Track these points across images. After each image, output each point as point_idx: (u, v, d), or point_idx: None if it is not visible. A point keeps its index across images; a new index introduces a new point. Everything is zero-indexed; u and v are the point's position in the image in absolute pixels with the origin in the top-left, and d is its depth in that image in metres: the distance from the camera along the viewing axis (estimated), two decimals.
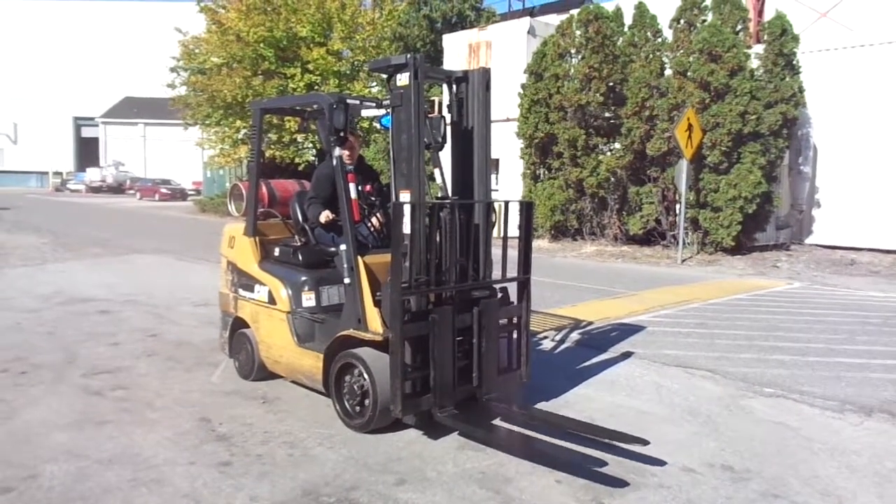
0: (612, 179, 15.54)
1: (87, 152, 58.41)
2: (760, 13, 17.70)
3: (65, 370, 5.38)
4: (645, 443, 3.77)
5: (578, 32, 15.62)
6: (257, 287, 5.08)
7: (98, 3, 57.32)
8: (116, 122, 56.57)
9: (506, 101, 15.66)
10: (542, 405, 4.66)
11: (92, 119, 57.42)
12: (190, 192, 41.57)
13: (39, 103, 57.38)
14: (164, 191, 41.18)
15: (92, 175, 50.44)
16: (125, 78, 55.16)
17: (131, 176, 50.44)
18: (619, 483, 3.47)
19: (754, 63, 13.97)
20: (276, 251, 5.14)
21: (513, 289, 4.52)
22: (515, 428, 4.19)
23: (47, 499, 3.27)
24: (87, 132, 60.12)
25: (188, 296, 8.64)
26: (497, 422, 4.30)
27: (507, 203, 4.42)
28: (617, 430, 4.03)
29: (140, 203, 37.89)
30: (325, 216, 4.79)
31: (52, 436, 4.02)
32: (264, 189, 5.46)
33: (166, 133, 50.72)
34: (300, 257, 4.92)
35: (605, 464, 3.54)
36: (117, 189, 48.79)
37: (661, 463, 3.72)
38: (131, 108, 56.39)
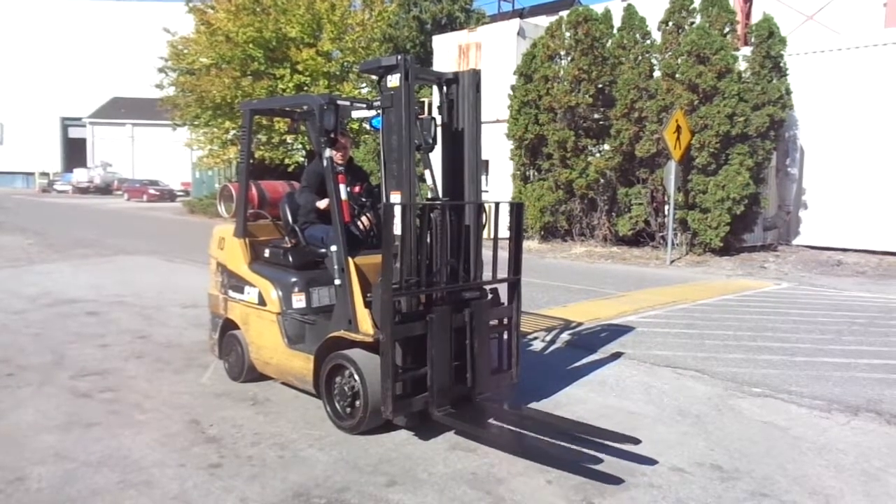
0: (602, 181, 15.59)
1: (75, 153, 57.94)
2: (748, 16, 17.86)
3: (52, 372, 5.34)
4: (636, 441, 3.80)
5: (568, 34, 15.66)
6: (247, 288, 5.06)
7: (86, 2, 56.93)
8: (104, 122, 56.14)
9: (496, 103, 15.69)
10: (532, 406, 4.67)
11: (79, 119, 56.97)
12: (178, 193, 41.37)
13: (26, 103, 56.88)
14: (152, 192, 40.94)
15: (79, 176, 50.04)
16: (113, 78, 54.78)
17: (119, 177, 50.13)
18: (614, 480, 3.49)
19: (742, 65, 14.05)
20: (266, 252, 5.13)
21: (503, 290, 4.53)
22: (510, 427, 4.20)
23: (35, 501, 3.25)
24: (74, 132, 59.64)
25: (177, 297, 8.59)
26: (491, 421, 4.31)
27: (497, 204, 4.43)
28: (609, 429, 4.06)
29: (128, 204, 37.65)
30: (324, 204, 4.68)
31: (40, 438, 3.99)
32: (254, 190, 5.44)
33: (154, 134, 50.38)
34: (290, 258, 4.92)
35: (601, 461, 3.57)
36: (105, 190, 48.47)
37: (652, 462, 3.74)
38: (119, 109, 55.99)
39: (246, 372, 5.08)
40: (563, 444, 3.87)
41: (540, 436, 4.02)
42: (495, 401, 4.46)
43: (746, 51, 14.49)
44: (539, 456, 3.77)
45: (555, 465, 3.66)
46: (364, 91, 22.54)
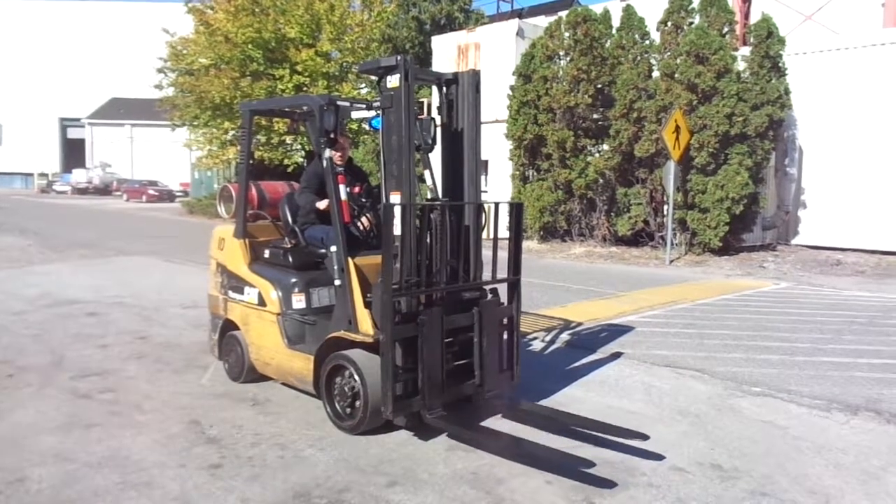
0: (601, 181, 15.61)
1: (74, 153, 57.92)
2: (747, 16, 17.87)
3: (52, 373, 5.34)
4: (645, 437, 3.85)
5: (567, 34, 15.67)
6: (247, 289, 5.06)
7: (84, 3, 56.89)
8: (103, 122, 56.12)
9: (495, 103, 15.69)
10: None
11: (78, 120, 56.94)
12: (178, 194, 41.36)
13: (25, 104, 56.83)
14: (151, 192, 40.95)
15: (78, 176, 50.04)
16: (112, 78, 54.74)
17: (118, 177, 50.11)
18: (607, 484, 3.49)
19: (741, 65, 14.07)
20: (266, 253, 5.13)
21: (503, 290, 4.53)
22: (504, 429, 4.21)
23: (35, 502, 3.25)
24: (73, 133, 59.61)
25: (176, 298, 8.58)
26: (492, 421, 4.32)
27: (496, 204, 4.44)
28: (618, 426, 4.09)
29: (127, 205, 37.62)
30: (324, 204, 4.68)
31: (40, 439, 3.99)
32: (254, 191, 5.44)
33: (153, 134, 50.36)
34: (290, 259, 4.92)
35: (592, 464, 3.57)
36: (104, 190, 48.45)
37: (659, 457, 3.76)
38: (118, 109, 55.96)
39: (246, 372, 5.08)
40: (560, 445, 3.88)
41: (542, 432, 4.03)
42: (501, 399, 4.50)
43: (745, 51, 14.51)
44: (531, 459, 3.76)
45: (547, 468, 3.65)
46: (363, 91, 22.55)
